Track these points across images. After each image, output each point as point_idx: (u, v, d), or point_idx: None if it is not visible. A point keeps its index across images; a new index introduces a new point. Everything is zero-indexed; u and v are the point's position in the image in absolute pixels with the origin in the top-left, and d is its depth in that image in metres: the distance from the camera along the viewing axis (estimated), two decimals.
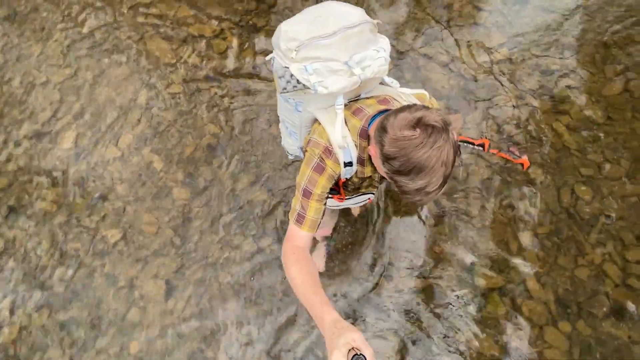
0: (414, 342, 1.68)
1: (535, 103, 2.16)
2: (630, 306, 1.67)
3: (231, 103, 2.21)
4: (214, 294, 1.82)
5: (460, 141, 1.21)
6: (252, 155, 2.08)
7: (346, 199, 1.15)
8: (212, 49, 2.33)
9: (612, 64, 2.23)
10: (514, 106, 2.16)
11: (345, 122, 0.94)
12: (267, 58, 1.00)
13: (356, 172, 0.99)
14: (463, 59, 2.29)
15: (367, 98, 1.01)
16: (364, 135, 0.93)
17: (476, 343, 1.66)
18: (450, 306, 1.74)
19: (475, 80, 2.23)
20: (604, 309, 1.68)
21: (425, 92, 1.05)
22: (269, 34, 2.36)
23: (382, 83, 1.06)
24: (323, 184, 0.93)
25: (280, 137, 1.30)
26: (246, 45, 2.34)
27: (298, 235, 0.93)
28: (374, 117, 0.92)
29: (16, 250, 1.93)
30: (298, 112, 1.03)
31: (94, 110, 2.19)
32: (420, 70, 2.26)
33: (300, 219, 0.93)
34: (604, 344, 1.62)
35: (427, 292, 1.78)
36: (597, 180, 1.95)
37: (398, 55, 2.28)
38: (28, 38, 2.38)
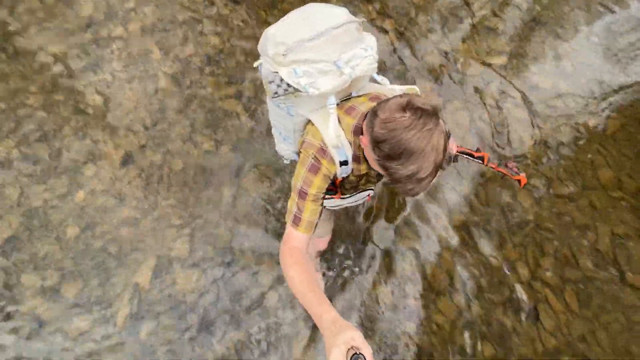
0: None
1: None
2: (525, 304, 1.77)
3: (242, 31, 2.36)
4: (163, 178, 1.97)
5: (460, 152, 1.20)
6: (242, 74, 2.22)
7: (345, 197, 1.15)
8: None
9: None
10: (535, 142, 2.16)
11: (339, 121, 0.93)
12: (255, 65, 1.00)
13: (352, 171, 0.98)
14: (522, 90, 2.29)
15: (359, 96, 1.02)
16: (358, 132, 0.92)
17: (375, 291, 1.78)
18: (359, 254, 1.86)
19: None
20: (502, 298, 1.78)
21: (416, 88, 1.04)
22: None
23: (373, 81, 1.06)
24: (318, 184, 0.93)
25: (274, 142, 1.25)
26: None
27: (295, 237, 0.93)
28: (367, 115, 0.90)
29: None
30: (290, 116, 1.02)
31: None
32: (481, 85, 2.32)
33: (296, 220, 0.93)
34: (489, 325, 1.73)
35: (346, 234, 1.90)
36: (542, 194, 2.04)
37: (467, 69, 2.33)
38: None
